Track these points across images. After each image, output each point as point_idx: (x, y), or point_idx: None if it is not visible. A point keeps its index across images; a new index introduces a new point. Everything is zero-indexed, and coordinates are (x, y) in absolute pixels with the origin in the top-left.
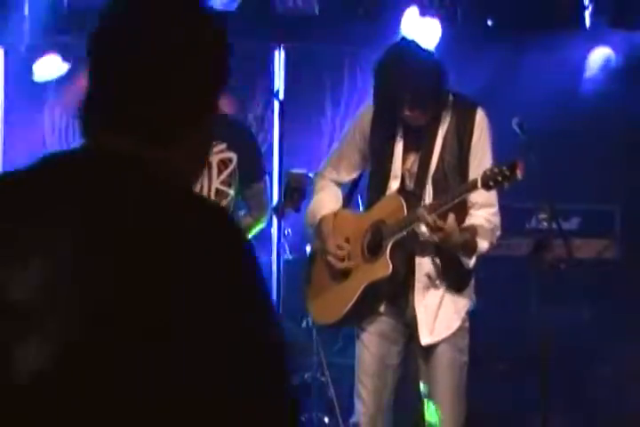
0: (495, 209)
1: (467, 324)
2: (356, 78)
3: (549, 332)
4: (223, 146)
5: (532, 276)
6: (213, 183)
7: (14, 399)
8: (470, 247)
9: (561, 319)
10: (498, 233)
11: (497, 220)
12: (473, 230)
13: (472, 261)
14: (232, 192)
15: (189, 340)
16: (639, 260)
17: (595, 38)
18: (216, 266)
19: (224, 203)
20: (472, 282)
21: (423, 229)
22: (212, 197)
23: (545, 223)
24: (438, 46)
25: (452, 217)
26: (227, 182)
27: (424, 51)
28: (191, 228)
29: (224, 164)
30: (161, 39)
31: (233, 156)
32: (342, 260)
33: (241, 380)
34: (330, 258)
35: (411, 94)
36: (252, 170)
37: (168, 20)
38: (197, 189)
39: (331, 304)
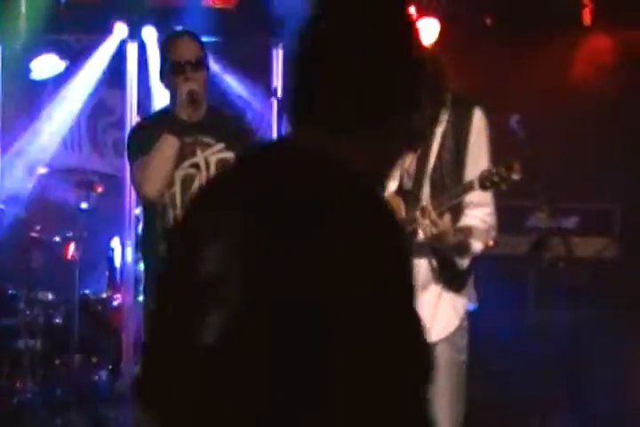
0: (491, 209)
1: (466, 323)
2: None
3: (548, 331)
4: (221, 146)
5: (531, 274)
6: None
7: (204, 357)
8: (464, 248)
9: (559, 318)
10: (493, 233)
11: (492, 220)
12: (467, 231)
13: (465, 262)
14: None
15: (344, 310)
16: (638, 258)
17: (594, 36)
18: (377, 263)
19: None
20: (471, 281)
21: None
22: None
23: (544, 222)
24: (437, 45)
25: (447, 217)
26: None
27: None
28: (356, 222)
29: (223, 164)
30: (360, 40)
31: (231, 155)
32: None
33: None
34: None
35: None
36: None
37: (367, 21)
38: (195, 188)
39: None
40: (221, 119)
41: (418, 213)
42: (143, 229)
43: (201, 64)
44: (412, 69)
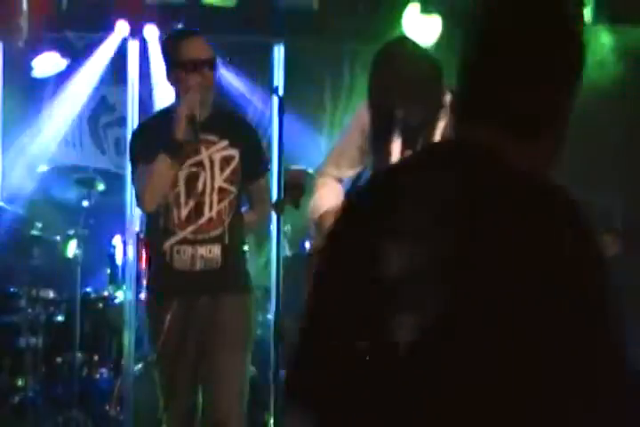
0: None
1: None
2: (355, 74)
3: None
4: (225, 143)
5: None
6: (216, 181)
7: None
8: None
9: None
10: None
11: None
12: None
13: None
14: (235, 190)
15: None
16: None
17: (595, 34)
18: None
19: (226, 201)
20: None
21: None
22: (215, 195)
23: None
24: (439, 43)
25: None
26: (229, 180)
27: (418, 48)
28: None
29: (226, 161)
30: (533, 39)
31: (235, 153)
32: None
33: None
34: None
35: (401, 90)
36: (255, 165)
37: (540, 19)
38: (199, 188)
39: None
40: (224, 117)
41: None
42: (147, 228)
43: (214, 65)
44: (580, 66)
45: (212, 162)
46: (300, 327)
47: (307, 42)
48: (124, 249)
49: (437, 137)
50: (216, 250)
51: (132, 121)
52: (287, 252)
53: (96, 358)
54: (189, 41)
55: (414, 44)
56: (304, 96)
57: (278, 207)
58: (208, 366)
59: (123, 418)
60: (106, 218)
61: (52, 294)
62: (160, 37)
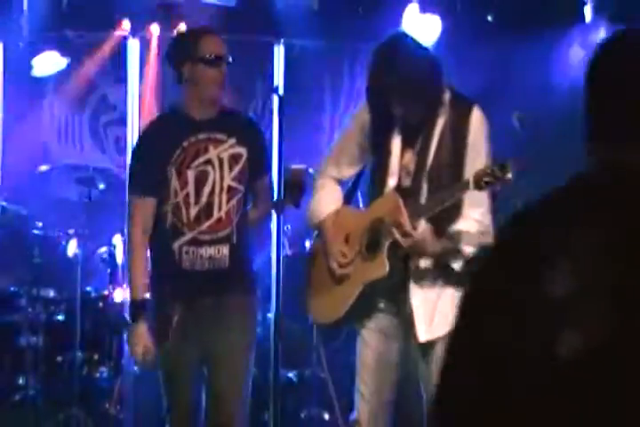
0: (485, 208)
1: None
2: (355, 74)
3: None
4: (233, 141)
5: None
6: (225, 180)
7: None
8: (452, 254)
9: None
10: (490, 233)
11: (487, 219)
12: (457, 237)
13: (457, 265)
14: (242, 188)
15: None
16: None
17: (595, 33)
18: None
19: (235, 200)
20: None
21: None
22: (224, 194)
23: None
24: (438, 42)
25: (422, 226)
26: (237, 179)
27: (417, 45)
28: None
29: (235, 159)
30: None
31: (243, 151)
32: (344, 266)
33: None
34: (332, 263)
35: (399, 87)
36: (261, 163)
37: None
38: (209, 187)
39: (330, 304)
40: (231, 116)
41: (393, 229)
42: (154, 228)
43: (228, 62)
44: None
45: (220, 160)
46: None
47: (307, 41)
48: (124, 248)
49: (437, 135)
50: (224, 250)
51: (132, 120)
52: (287, 251)
53: (96, 356)
54: (210, 37)
55: (413, 41)
56: (304, 96)
57: (278, 206)
58: (213, 368)
59: (123, 417)
60: (106, 217)
61: (52, 293)
62: (161, 36)
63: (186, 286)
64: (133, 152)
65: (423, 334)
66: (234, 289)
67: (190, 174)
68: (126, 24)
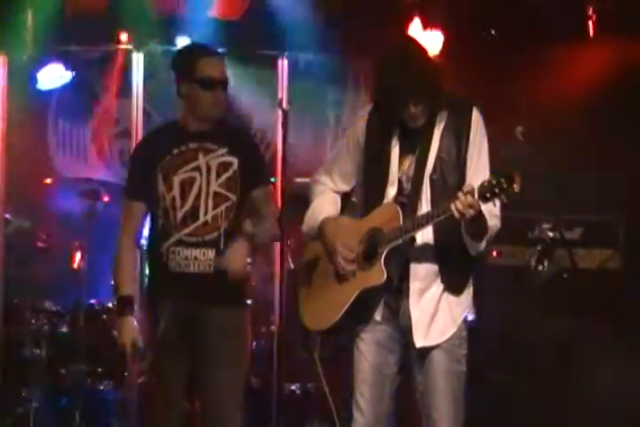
0: (497, 211)
1: (464, 333)
2: (359, 87)
3: (551, 342)
4: (224, 150)
5: (535, 285)
6: (211, 186)
7: None
8: (483, 229)
9: (563, 329)
10: (498, 224)
11: (498, 221)
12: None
13: (482, 245)
14: (233, 197)
15: None
16: None
17: (598, 47)
18: None
19: (223, 207)
20: (470, 291)
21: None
22: (210, 199)
23: (548, 233)
24: (441, 58)
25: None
26: (225, 186)
27: (423, 50)
28: None
29: (224, 167)
30: None
31: (233, 160)
32: (351, 262)
33: None
34: (339, 259)
35: (415, 89)
36: (256, 174)
37: None
38: (195, 192)
39: (323, 311)
40: (227, 129)
41: (460, 194)
42: (149, 233)
43: (227, 86)
44: None
45: (208, 167)
46: None
47: (310, 55)
48: None
49: (437, 138)
50: (210, 254)
51: (137, 133)
52: (291, 265)
53: (100, 369)
54: (208, 59)
55: (420, 45)
56: (307, 109)
57: (282, 220)
58: (201, 381)
59: None
60: (110, 229)
61: (56, 306)
62: (168, 51)
63: (173, 287)
64: (129, 159)
65: (420, 340)
66: (219, 296)
67: (176, 180)
68: (130, 38)
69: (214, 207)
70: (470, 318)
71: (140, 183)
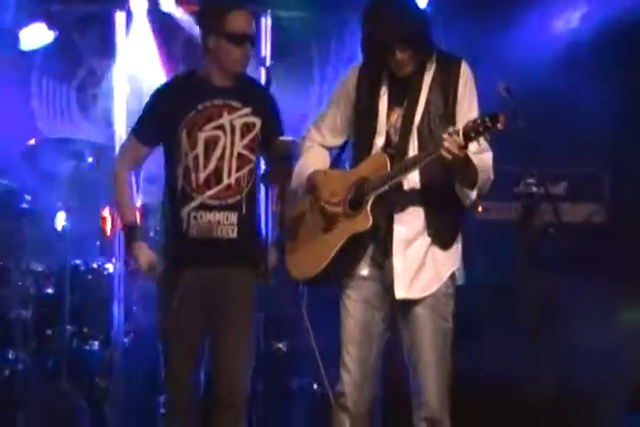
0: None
1: (450, 290)
2: (344, 43)
3: (537, 297)
4: (248, 110)
5: (520, 240)
6: (236, 147)
7: None
8: (474, 175)
9: (548, 284)
10: (491, 176)
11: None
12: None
13: (473, 195)
14: (254, 159)
15: None
16: (627, 223)
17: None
18: None
19: (246, 169)
20: (459, 247)
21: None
22: (234, 161)
23: (533, 188)
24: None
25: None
26: (249, 147)
27: None
28: None
29: (247, 128)
30: None
31: (257, 120)
32: (336, 205)
33: None
34: (324, 204)
35: (401, 33)
36: (275, 130)
37: None
38: (219, 152)
39: (310, 258)
40: (248, 85)
41: (445, 135)
42: (165, 192)
43: (254, 40)
44: None
45: (232, 127)
46: None
47: (295, 12)
48: (112, 221)
49: (425, 90)
50: (233, 218)
51: (120, 93)
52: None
53: (86, 330)
54: (237, 13)
55: None
56: (292, 67)
57: (267, 178)
58: (216, 340)
59: (112, 389)
60: (95, 190)
61: (41, 267)
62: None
63: (195, 253)
64: (147, 102)
65: (401, 292)
66: (240, 262)
67: (200, 136)
68: None
69: (237, 169)
70: (460, 281)
71: (154, 129)
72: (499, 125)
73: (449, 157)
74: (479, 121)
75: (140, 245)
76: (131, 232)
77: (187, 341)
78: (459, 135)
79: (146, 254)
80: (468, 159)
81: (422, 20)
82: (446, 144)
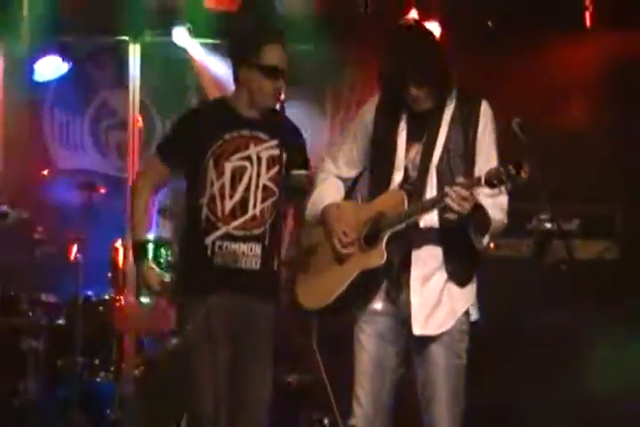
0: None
1: (465, 327)
2: (356, 78)
3: (549, 333)
4: (274, 142)
5: (533, 277)
6: (261, 178)
7: None
8: (486, 224)
9: (561, 320)
10: (504, 219)
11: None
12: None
13: (485, 240)
14: (278, 192)
15: None
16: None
17: (595, 38)
18: None
19: (270, 201)
20: (475, 285)
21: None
22: (260, 192)
23: (546, 224)
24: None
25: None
26: (274, 180)
27: (429, 31)
28: None
29: (273, 161)
30: None
31: (283, 154)
32: (346, 246)
33: None
34: (335, 242)
35: (416, 68)
36: (301, 162)
37: None
38: (245, 183)
39: (321, 290)
40: (274, 117)
41: (447, 189)
42: (187, 220)
43: (286, 74)
44: None
45: (259, 158)
46: None
47: (307, 46)
48: (124, 252)
49: (445, 128)
50: (257, 249)
51: (134, 124)
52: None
53: (97, 361)
54: (273, 46)
55: (423, 28)
56: (306, 100)
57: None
58: (238, 373)
59: (123, 421)
60: (107, 222)
61: (53, 298)
62: (164, 42)
63: (217, 283)
64: (175, 124)
65: (419, 328)
66: (263, 294)
67: (227, 166)
68: (127, 29)
69: (262, 201)
70: (474, 317)
71: (180, 152)
72: (522, 174)
73: (455, 208)
74: (502, 169)
75: (148, 264)
76: (140, 250)
77: (210, 366)
78: (480, 183)
79: (155, 272)
80: (478, 208)
81: (438, 57)
82: (449, 201)
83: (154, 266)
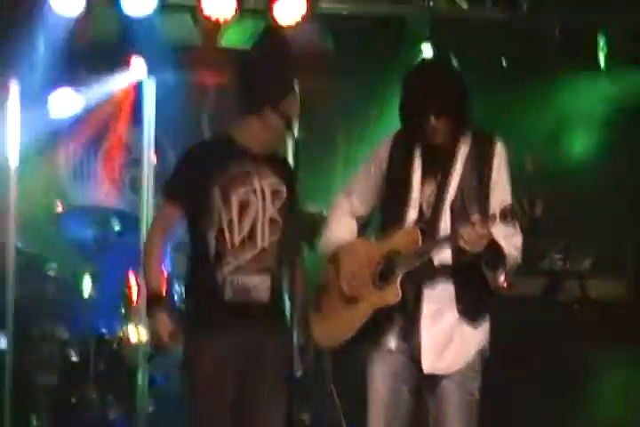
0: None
1: (478, 366)
2: (369, 116)
3: (562, 373)
4: (276, 178)
5: (545, 316)
6: (268, 211)
7: None
8: (499, 260)
9: (574, 359)
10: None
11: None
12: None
13: (500, 277)
14: (283, 224)
15: None
16: None
17: (610, 78)
18: None
19: (277, 235)
20: (488, 324)
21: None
22: (267, 226)
23: (559, 263)
24: None
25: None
26: (280, 213)
27: (453, 67)
28: None
29: (277, 195)
30: None
31: (284, 189)
32: (354, 288)
33: None
34: (343, 284)
35: (437, 98)
36: (295, 202)
37: None
38: (252, 216)
39: (336, 328)
40: (275, 156)
41: (462, 229)
42: (194, 257)
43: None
44: None
45: (263, 192)
46: None
47: (322, 82)
48: (138, 288)
49: (459, 165)
50: (268, 282)
51: (148, 161)
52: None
53: (110, 397)
54: (294, 99)
55: (449, 62)
56: (318, 139)
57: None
58: (250, 409)
59: None
60: (120, 257)
61: (66, 334)
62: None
63: (228, 318)
64: (177, 163)
65: (429, 366)
66: (273, 327)
67: (234, 198)
68: (142, 66)
69: (271, 234)
70: (487, 355)
71: (185, 189)
72: (536, 211)
73: (468, 248)
74: (516, 205)
75: (161, 316)
76: (153, 302)
77: (219, 406)
78: (494, 220)
79: (166, 325)
80: (493, 243)
81: (458, 89)
82: (462, 242)
83: (166, 319)
